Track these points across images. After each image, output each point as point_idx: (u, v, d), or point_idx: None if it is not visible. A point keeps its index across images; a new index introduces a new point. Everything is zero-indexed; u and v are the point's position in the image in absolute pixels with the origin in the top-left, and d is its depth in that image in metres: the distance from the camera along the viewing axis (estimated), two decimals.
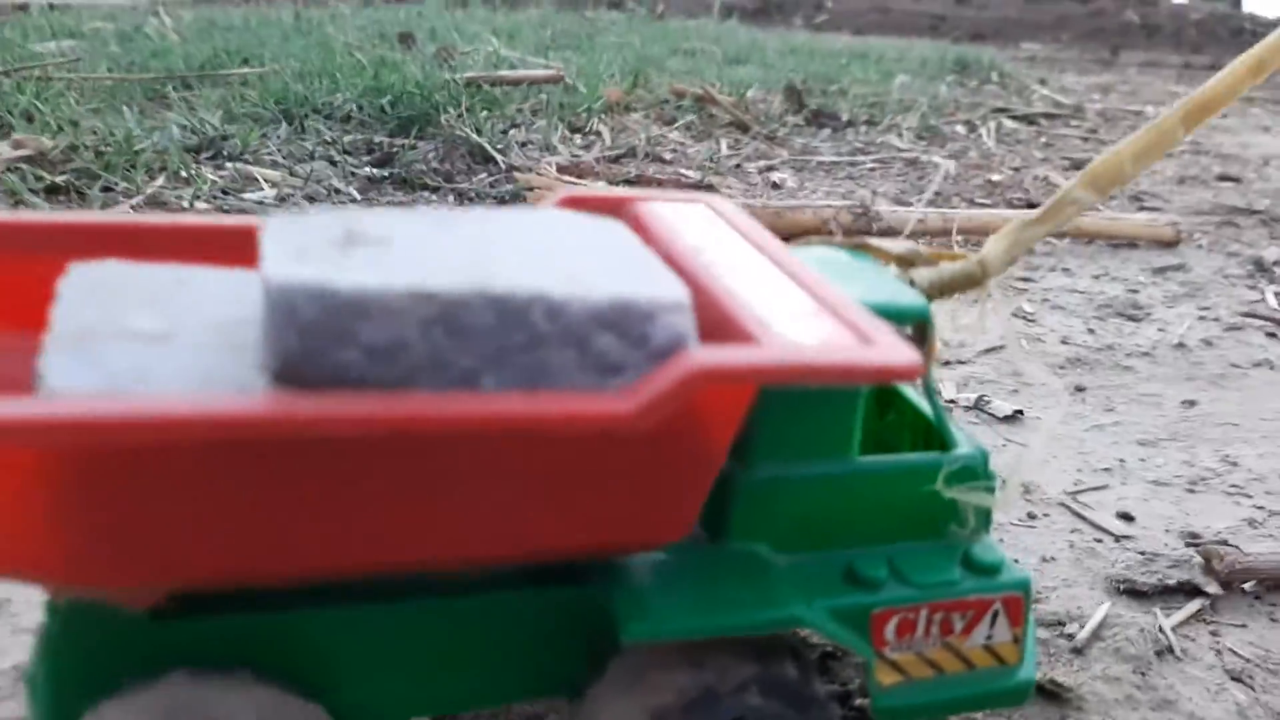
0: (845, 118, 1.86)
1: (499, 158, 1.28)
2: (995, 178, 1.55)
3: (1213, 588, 0.57)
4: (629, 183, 1.24)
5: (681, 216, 0.40)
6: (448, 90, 1.44)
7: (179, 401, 0.25)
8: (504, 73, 1.60)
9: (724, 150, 1.52)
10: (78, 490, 0.26)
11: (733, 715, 0.34)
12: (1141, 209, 1.48)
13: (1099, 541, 0.61)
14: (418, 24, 2.71)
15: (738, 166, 1.42)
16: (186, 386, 0.28)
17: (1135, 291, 1.09)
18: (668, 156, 1.40)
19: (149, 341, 0.30)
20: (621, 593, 0.34)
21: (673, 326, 0.29)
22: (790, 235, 1.13)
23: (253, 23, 2.56)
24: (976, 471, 0.39)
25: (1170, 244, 1.27)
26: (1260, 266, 1.19)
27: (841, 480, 0.38)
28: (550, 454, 0.30)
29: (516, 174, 1.19)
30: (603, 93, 1.57)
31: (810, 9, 12.04)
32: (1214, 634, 0.54)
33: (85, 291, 0.32)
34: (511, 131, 1.40)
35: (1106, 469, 0.70)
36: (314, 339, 0.26)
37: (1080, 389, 0.83)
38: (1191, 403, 0.82)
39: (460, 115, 1.37)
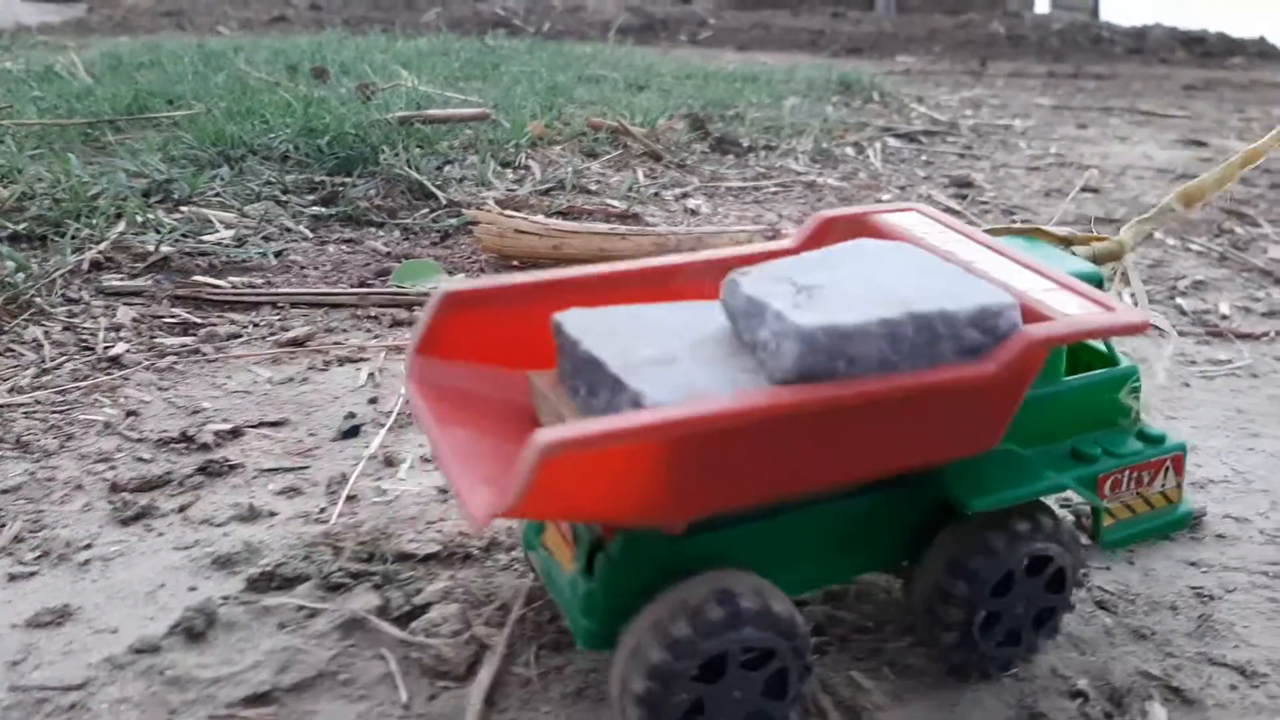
0: (746, 143, 2.01)
1: (439, 193, 1.38)
2: (885, 197, 1.72)
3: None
4: (562, 214, 1.35)
5: (914, 225, 0.57)
6: (381, 130, 1.53)
7: (735, 399, 0.40)
8: (434, 111, 1.70)
9: (641, 179, 1.65)
10: (680, 462, 0.40)
11: (1040, 554, 0.51)
12: (1012, 221, 1.66)
13: None
14: (321, 54, 2.77)
15: (656, 195, 1.55)
16: (721, 390, 0.42)
17: None
18: (593, 187, 1.52)
19: (666, 364, 0.44)
20: (961, 483, 0.49)
21: (1012, 318, 0.44)
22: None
23: (160, 58, 2.58)
24: (1135, 380, 0.58)
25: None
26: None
27: (1058, 396, 0.55)
28: (943, 404, 0.45)
29: (461, 209, 1.29)
30: (529, 128, 1.68)
31: (694, 26, 12.30)
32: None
33: (588, 333, 0.46)
34: (447, 168, 1.49)
35: None
36: (820, 357, 0.41)
37: None
38: None
39: (397, 153, 1.46)
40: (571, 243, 1.20)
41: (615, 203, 1.45)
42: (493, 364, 0.49)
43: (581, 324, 0.46)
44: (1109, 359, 0.58)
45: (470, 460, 0.42)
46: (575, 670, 0.54)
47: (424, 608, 0.58)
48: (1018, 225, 0.64)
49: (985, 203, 1.76)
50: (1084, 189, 1.92)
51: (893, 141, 2.48)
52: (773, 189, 1.73)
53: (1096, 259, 0.63)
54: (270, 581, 0.61)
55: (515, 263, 1.19)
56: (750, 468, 0.42)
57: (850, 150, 2.16)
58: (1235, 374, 1.04)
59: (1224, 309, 1.24)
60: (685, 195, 1.58)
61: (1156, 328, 0.63)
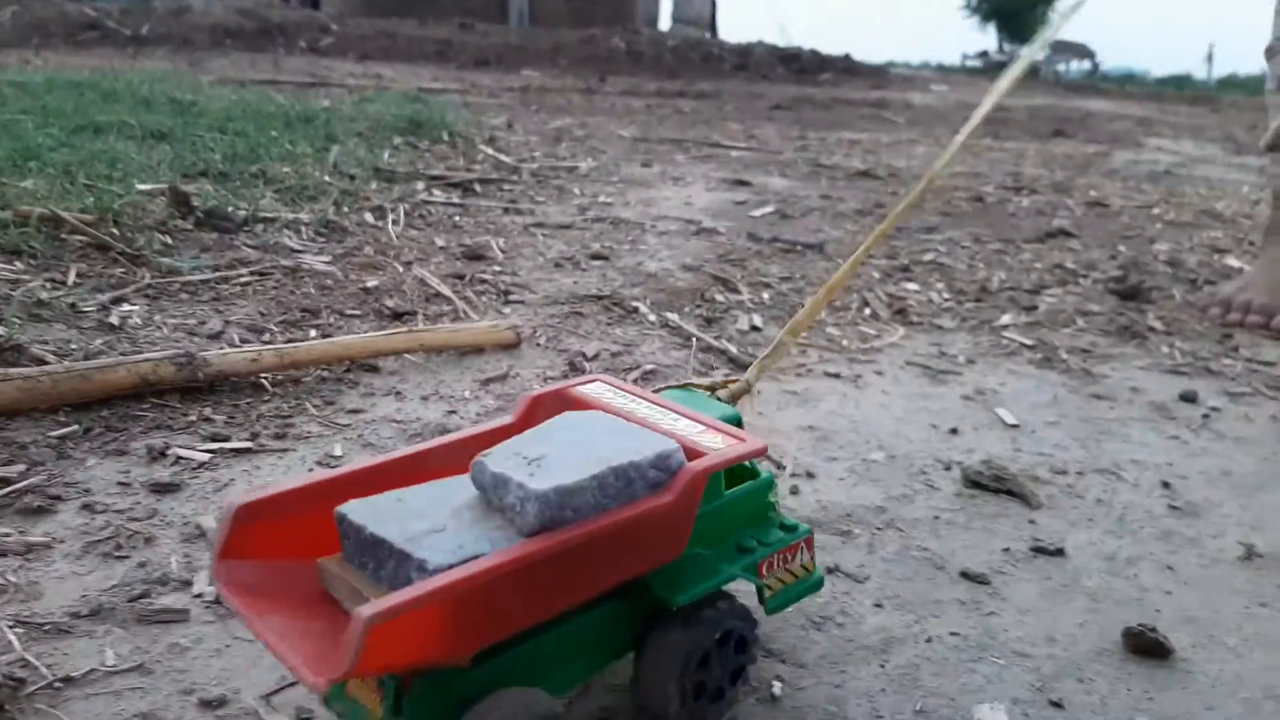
0: (242, 217, 1.83)
1: None
2: (372, 283, 1.61)
3: None
4: None
5: (601, 393, 0.72)
6: None
7: (497, 557, 0.52)
8: None
9: (71, 280, 1.42)
10: (465, 608, 0.51)
11: (727, 630, 0.65)
12: (507, 301, 1.61)
13: None
14: None
15: (72, 306, 1.32)
16: (484, 547, 0.54)
17: (453, 412, 1.18)
18: None
19: (438, 533, 0.55)
20: (664, 585, 0.63)
21: (679, 459, 0.60)
22: (108, 397, 1.07)
23: None
24: (772, 484, 0.74)
25: (512, 346, 1.40)
26: (574, 365, 1.35)
27: (722, 506, 0.70)
28: (638, 530, 0.59)
29: None
30: None
31: (315, 32, 11.67)
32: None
33: (368, 519, 0.56)
34: None
35: None
36: (553, 511, 0.55)
37: None
38: None
39: None
40: None
41: None
42: (282, 558, 0.58)
43: (361, 512, 0.57)
44: (753, 472, 0.74)
45: (291, 639, 0.52)
46: None
47: None
48: (675, 384, 0.82)
49: (485, 281, 1.70)
50: (593, 257, 1.93)
51: (437, 195, 2.39)
52: (244, 279, 1.56)
53: (733, 397, 0.82)
54: None
55: None
56: (515, 602, 0.55)
57: (369, 216, 2.03)
58: None
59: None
60: (119, 300, 1.38)
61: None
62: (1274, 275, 1.79)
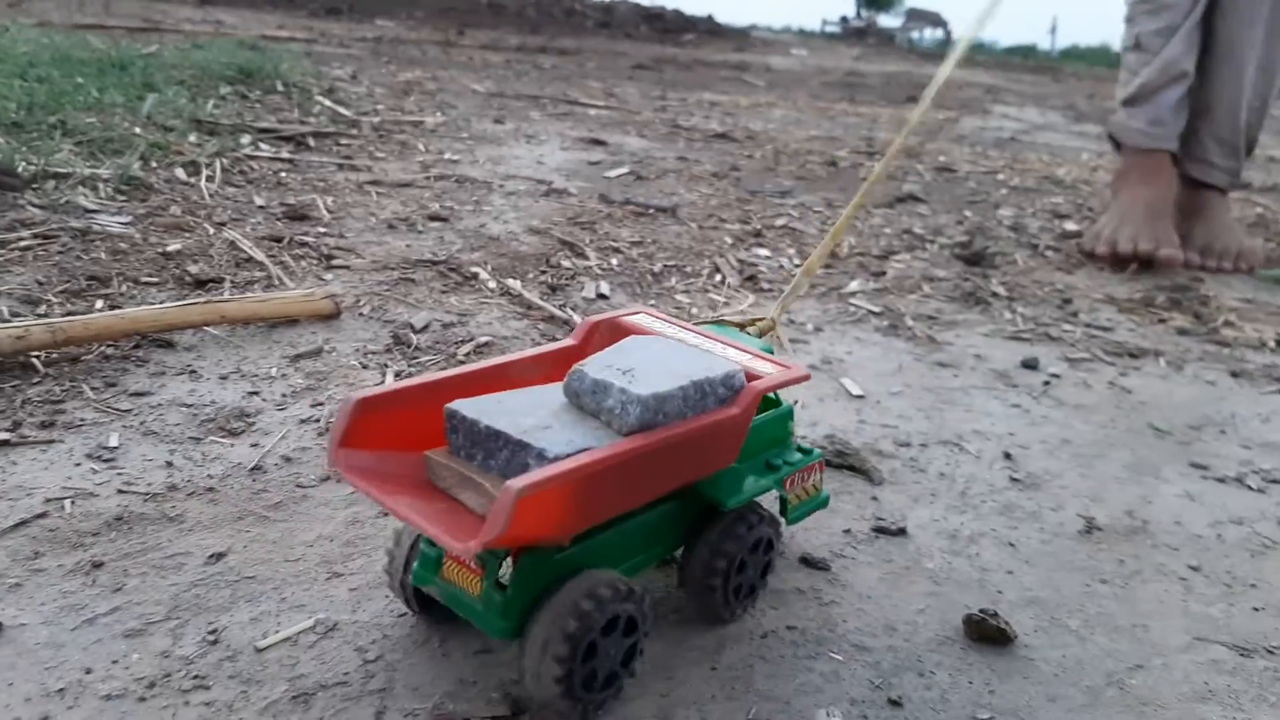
0: (32, 172, 1.62)
1: None
2: (175, 246, 1.45)
3: None
4: None
5: (650, 322, 0.80)
6: None
7: (609, 449, 0.60)
8: None
9: None
10: (581, 492, 0.58)
11: (760, 534, 0.74)
12: (330, 267, 1.48)
13: None
14: None
15: None
16: (589, 444, 0.61)
17: (254, 393, 1.06)
18: None
19: (546, 429, 0.62)
20: (719, 491, 0.71)
21: (741, 379, 0.68)
22: None
23: None
24: (791, 412, 0.81)
25: (331, 317, 1.28)
26: (399, 339, 1.24)
27: (757, 428, 0.76)
28: (710, 437, 0.66)
29: None
30: None
31: None
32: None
33: (481, 414, 0.63)
34: None
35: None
36: (650, 414, 0.63)
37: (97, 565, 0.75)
38: (219, 555, 0.78)
39: None
40: None
41: None
42: (388, 449, 0.64)
43: (472, 409, 0.64)
44: (775, 402, 0.80)
45: (424, 514, 0.58)
46: None
47: None
48: (710, 318, 0.90)
49: (306, 244, 1.56)
50: (432, 218, 1.80)
51: (264, 150, 2.21)
52: (24, 243, 1.38)
53: (760, 334, 0.89)
54: None
55: None
56: (615, 490, 0.62)
57: (181, 172, 1.85)
58: None
59: None
60: None
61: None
62: (1122, 213, 2.07)
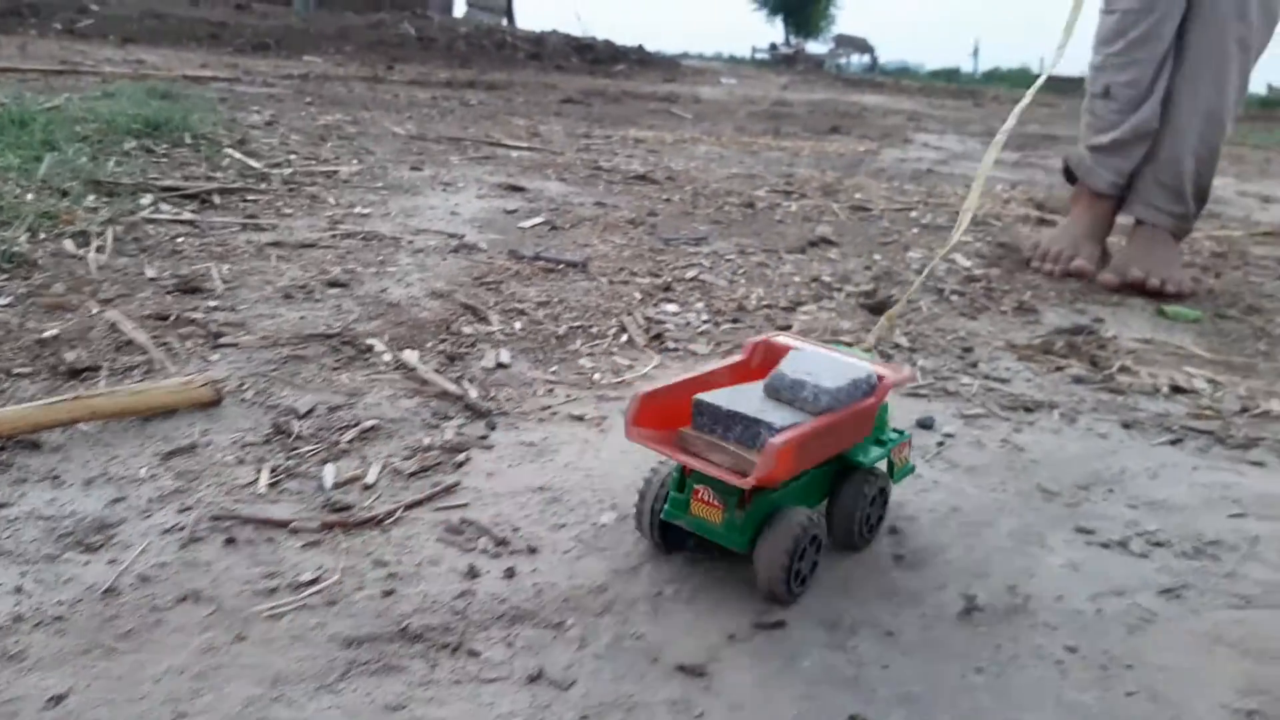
0: None
1: None
2: (52, 331, 1.40)
3: None
4: None
5: (794, 341, 1.09)
6: None
7: (814, 422, 0.90)
8: None
9: None
10: (799, 448, 0.86)
11: (881, 486, 1.03)
12: (217, 346, 1.44)
13: None
14: None
15: None
16: (799, 420, 0.90)
17: (120, 499, 1.02)
18: None
19: (766, 411, 0.91)
20: (860, 455, 1.01)
21: (876, 378, 0.99)
22: None
23: None
24: (888, 405, 1.07)
25: (211, 405, 1.24)
26: (279, 428, 1.20)
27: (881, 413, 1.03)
28: (861, 417, 0.96)
29: None
30: None
31: (73, 13, 10.65)
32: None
33: (721, 402, 0.91)
34: None
35: None
36: (833, 400, 0.93)
37: None
38: (58, 698, 0.74)
39: None
40: None
41: None
42: (653, 427, 0.93)
43: (713, 399, 0.92)
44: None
45: (704, 464, 0.89)
46: None
47: None
48: (829, 340, 1.20)
49: (194, 321, 1.52)
50: (331, 284, 1.77)
51: (165, 211, 2.15)
52: None
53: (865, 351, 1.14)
54: None
55: None
56: (811, 450, 0.89)
57: (69, 244, 1.79)
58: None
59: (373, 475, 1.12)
60: None
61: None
62: (1070, 230, 2.39)
